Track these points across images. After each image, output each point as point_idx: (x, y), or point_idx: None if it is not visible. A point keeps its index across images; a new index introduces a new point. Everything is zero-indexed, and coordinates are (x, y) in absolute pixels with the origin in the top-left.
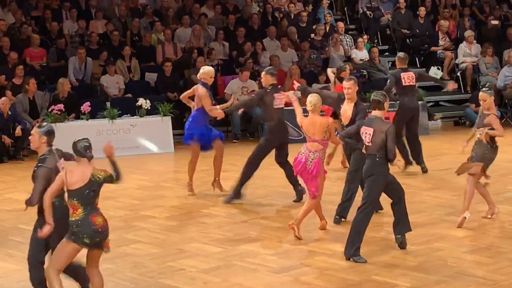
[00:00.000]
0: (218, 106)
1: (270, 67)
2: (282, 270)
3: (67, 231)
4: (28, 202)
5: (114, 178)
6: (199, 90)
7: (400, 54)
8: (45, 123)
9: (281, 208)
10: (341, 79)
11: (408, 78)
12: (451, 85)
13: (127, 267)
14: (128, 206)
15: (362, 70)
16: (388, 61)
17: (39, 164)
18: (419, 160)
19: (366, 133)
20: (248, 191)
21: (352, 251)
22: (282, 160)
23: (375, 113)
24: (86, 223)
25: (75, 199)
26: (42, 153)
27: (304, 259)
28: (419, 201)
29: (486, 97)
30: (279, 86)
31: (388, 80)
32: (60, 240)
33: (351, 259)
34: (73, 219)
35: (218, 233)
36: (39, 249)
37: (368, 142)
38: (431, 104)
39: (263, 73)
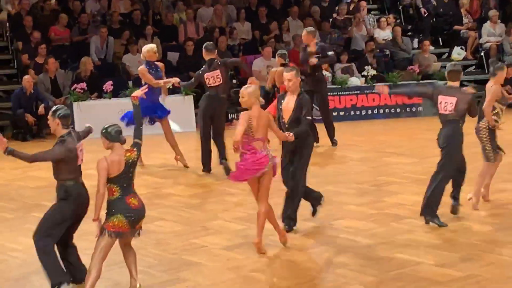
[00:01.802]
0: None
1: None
2: (304, 247)
3: (84, 211)
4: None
5: (139, 151)
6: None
7: None
8: (60, 106)
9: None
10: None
11: None
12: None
13: (150, 244)
14: (150, 184)
15: (385, 50)
16: (412, 41)
17: (58, 142)
18: None
19: (445, 102)
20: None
21: (430, 216)
22: None
23: (452, 83)
24: (122, 204)
25: (113, 184)
26: (60, 134)
27: (328, 236)
28: None
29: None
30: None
31: None
32: (77, 220)
33: (430, 223)
34: (109, 200)
35: (241, 211)
36: (49, 224)
37: (450, 111)
38: None
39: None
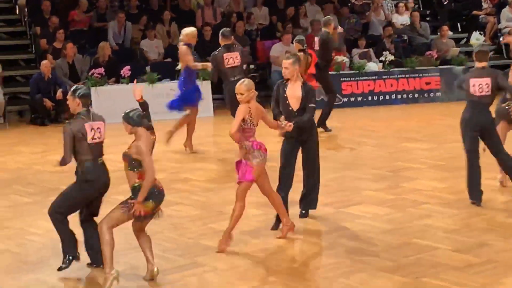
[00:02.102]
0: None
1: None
2: (321, 233)
3: (102, 191)
4: (62, 162)
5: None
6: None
7: None
8: (80, 86)
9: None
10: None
11: None
12: None
13: (167, 228)
14: (168, 169)
15: (403, 35)
16: (430, 26)
17: (66, 122)
18: None
19: (480, 84)
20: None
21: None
22: None
23: (482, 64)
24: (154, 188)
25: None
26: (77, 112)
27: (344, 222)
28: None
29: None
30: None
31: None
32: (96, 199)
33: (476, 204)
34: (137, 184)
35: (258, 196)
36: (64, 202)
37: (487, 91)
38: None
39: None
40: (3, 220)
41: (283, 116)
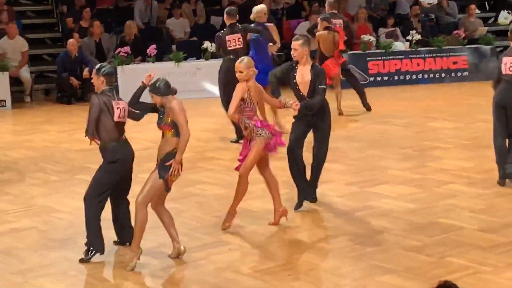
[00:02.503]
0: None
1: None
2: (347, 213)
3: (130, 168)
4: (86, 132)
5: None
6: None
7: None
8: (105, 64)
9: (344, 152)
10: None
11: None
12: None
13: (193, 207)
14: (193, 148)
15: (430, 14)
16: (457, 5)
17: (95, 94)
18: None
19: (511, 62)
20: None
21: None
22: None
23: None
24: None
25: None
26: (101, 90)
27: (370, 201)
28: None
29: None
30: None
31: None
32: (126, 178)
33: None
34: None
35: (283, 175)
36: (98, 190)
37: None
38: (500, 49)
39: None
40: (30, 198)
41: (283, 97)
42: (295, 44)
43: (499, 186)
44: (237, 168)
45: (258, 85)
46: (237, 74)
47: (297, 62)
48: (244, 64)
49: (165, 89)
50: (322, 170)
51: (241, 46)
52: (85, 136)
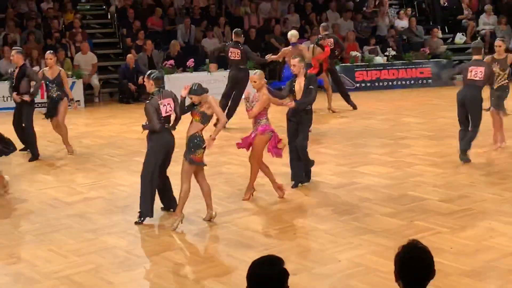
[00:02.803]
0: None
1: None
2: (338, 186)
3: (170, 150)
4: (150, 127)
5: None
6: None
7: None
8: (154, 71)
9: (336, 140)
10: (321, 47)
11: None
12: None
13: (221, 182)
14: (222, 137)
15: (402, 36)
16: (424, 28)
17: (146, 101)
18: None
19: (475, 71)
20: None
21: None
22: None
23: (476, 57)
24: (202, 139)
25: (206, 123)
26: (151, 91)
27: (356, 178)
28: None
29: (501, 44)
30: None
31: None
32: (166, 158)
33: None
34: (198, 134)
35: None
36: (148, 169)
37: (480, 77)
38: (456, 62)
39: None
40: (98, 175)
41: (288, 98)
42: (294, 61)
43: (456, 166)
44: (238, 145)
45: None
46: (252, 83)
47: (296, 75)
48: (257, 76)
49: (199, 89)
50: (307, 156)
51: (239, 58)
52: (144, 129)
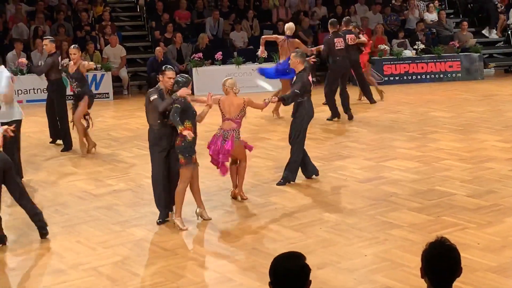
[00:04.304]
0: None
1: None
2: (365, 181)
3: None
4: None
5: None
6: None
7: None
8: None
9: (364, 134)
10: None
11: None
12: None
13: (248, 175)
14: (249, 131)
15: (432, 29)
16: (453, 22)
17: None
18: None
19: None
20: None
21: None
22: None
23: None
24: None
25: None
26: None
27: (383, 172)
28: None
29: None
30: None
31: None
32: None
33: None
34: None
35: (317, 152)
36: (159, 168)
37: None
38: (486, 56)
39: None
40: (126, 167)
41: (266, 98)
42: (291, 56)
43: (484, 161)
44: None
45: (233, 101)
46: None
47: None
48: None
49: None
50: (297, 157)
51: (343, 47)
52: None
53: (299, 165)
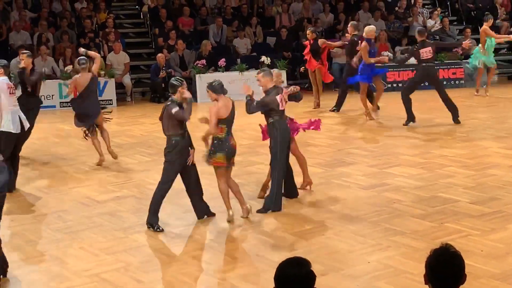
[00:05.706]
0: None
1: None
2: (368, 187)
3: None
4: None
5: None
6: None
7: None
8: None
9: (367, 141)
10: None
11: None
12: (467, 43)
13: (252, 182)
14: (252, 137)
15: (435, 36)
16: (456, 29)
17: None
18: None
19: None
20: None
21: None
22: None
23: None
24: (226, 141)
25: (223, 124)
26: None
27: (386, 179)
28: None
29: None
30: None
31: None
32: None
33: None
34: (218, 137)
35: (320, 158)
36: (167, 178)
37: None
38: None
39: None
40: (130, 173)
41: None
42: (258, 76)
43: (487, 168)
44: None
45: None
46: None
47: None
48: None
49: (219, 88)
50: (274, 177)
51: (431, 55)
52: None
53: (281, 195)
